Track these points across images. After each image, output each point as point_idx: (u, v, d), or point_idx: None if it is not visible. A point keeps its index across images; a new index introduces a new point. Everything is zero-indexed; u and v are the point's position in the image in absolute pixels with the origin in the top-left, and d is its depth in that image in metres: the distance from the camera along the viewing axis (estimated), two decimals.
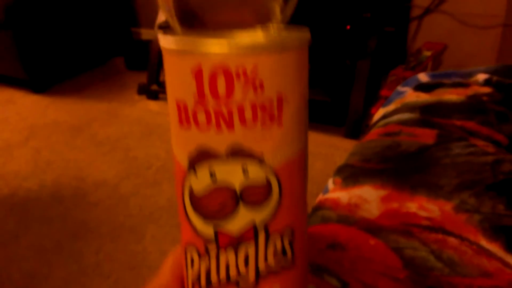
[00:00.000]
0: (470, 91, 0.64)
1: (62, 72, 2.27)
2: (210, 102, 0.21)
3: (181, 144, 0.23)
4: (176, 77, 0.22)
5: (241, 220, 0.22)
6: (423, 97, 0.64)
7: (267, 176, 0.22)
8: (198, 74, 0.20)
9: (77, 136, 1.73)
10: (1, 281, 1.08)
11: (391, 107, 0.65)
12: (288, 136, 0.22)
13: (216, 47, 0.20)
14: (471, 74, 0.68)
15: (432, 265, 0.39)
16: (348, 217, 0.44)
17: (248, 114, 0.21)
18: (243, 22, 0.25)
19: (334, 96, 1.67)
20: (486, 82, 0.66)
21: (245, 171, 0.22)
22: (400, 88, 0.70)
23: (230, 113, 0.21)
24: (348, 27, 1.62)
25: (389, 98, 0.70)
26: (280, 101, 0.21)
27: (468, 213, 0.43)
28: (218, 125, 0.21)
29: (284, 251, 0.23)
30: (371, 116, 1.54)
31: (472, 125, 0.57)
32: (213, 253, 0.23)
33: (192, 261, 0.24)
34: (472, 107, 0.60)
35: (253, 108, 0.21)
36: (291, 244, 0.24)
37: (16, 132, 1.78)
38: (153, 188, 1.39)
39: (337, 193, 0.48)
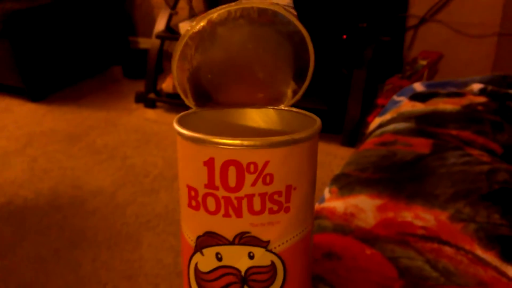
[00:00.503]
0: (465, 100, 0.64)
1: (59, 81, 2.27)
2: (220, 191, 0.21)
3: (190, 225, 0.23)
4: (189, 164, 0.22)
5: None
6: (418, 107, 0.64)
7: (273, 260, 0.22)
8: (210, 166, 0.21)
9: (74, 145, 1.73)
10: None
11: (387, 116, 0.65)
12: (295, 220, 0.23)
13: (230, 144, 0.20)
14: (466, 84, 0.69)
15: (428, 275, 0.39)
16: (344, 227, 0.45)
17: (257, 204, 0.21)
18: (255, 103, 0.26)
19: (331, 104, 1.67)
20: (481, 92, 0.66)
21: (251, 256, 0.22)
22: (396, 98, 0.70)
23: (240, 203, 0.21)
24: (345, 36, 1.63)
25: (385, 108, 0.70)
26: (289, 190, 0.22)
27: (463, 223, 0.44)
28: (226, 212, 0.21)
29: None
30: (367, 124, 1.55)
31: (467, 135, 0.57)
32: None
33: None
34: (467, 117, 0.61)
35: (262, 199, 0.21)
36: None
37: (13, 140, 1.78)
38: (150, 196, 1.39)
39: (333, 202, 0.49)
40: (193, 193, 0.22)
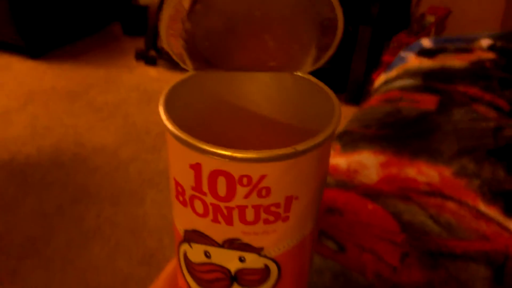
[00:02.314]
0: (473, 56, 0.63)
1: (59, 38, 2.23)
2: (208, 197, 0.18)
3: (178, 216, 0.21)
4: (175, 161, 0.19)
5: None
6: (425, 63, 0.63)
7: (266, 263, 0.20)
8: (197, 171, 0.18)
9: (75, 102, 1.72)
10: (5, 245, 1.10)
11: (393, 73, 0.64)
12: (294, 228, 0.20)
13: (219, 155, 0.17)
14: (475, 40, 0.67)
15: (430, 229, 0.39)
16: (346, 183, 0.44)
17: (250, 215, 0.18)
18: (266, 70, 0.22)
19: (335, 62, 1.65)
20: (490, 48, 0.65)
21: (242, 259, 0.20)
22: (402, 54, 0.69)
23: (230, 212, 0.18)
24: None
25: (391, 64, 0.69)
26: (289, 201, 0.19)
27: (467, 178, 0.43)
28: (215, 218, 0.19)
29: None
30: (372, 81, 1.53)
31: (475, 91, 0.56)
32: None
33: None
34: (475, 73, 0.59)
35: (256, 210, 0.18)
36: None
37: (14, 98, 1.77)
38: (153, 154, 1.39)
39: (336, 159, 0.48)
40: (180, 189, 0.19)
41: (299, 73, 0.23)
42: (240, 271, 0.20)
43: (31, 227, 1.15)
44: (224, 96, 0.24)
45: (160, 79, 1.88)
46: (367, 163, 0.46)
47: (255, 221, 0.18)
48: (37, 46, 2.12)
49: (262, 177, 0.17)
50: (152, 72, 1.95)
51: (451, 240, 0.38)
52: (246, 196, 0.18)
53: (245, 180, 0.17)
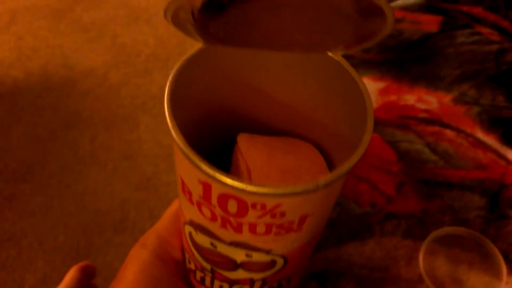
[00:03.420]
0: None
1: None
2: (217, 210, 0.17)
3: (184, 207, 0.20)
4: (183, 170, 0.17)
5: (239, 275, 0.21)
6: None
7: (273, 258, 0.19)
8: (206, 187, 0.16)
9: (60, 21, 1.64)
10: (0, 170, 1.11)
11: None
12: (305, 235, 0.19)
13: (230, 186, 0.15)
14: None
15: (427, 158, 0.39)
16: None
17: (261, 229, 0.17)
18: (294, 48, 0.18)
19: None
20: None
21: (249, 255, 0.19)
22: None
23: (240, 225, 0.17)
24: None
25: None
26: (303, 218, 0.17)
27: (467, 105, 0.42)
28: (224, 225, 0.17)
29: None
30: None
31: (479, 11, 0.53)
32: (208, 277, 0.22)
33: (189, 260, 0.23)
34: None
35: (268, 226, 0.17)
36: (287, 282, 0.22)
37: None
38: (144, 77, 1.36)
39: None
40: (186, 190, 0.18)
41: (330, 54, 0.19)
42: (246, 263, 0.20)
43: (25, 153, 1.15)
44: (241, 75, 0.21)
45: None
46: None
47: (266, 233, 0.17)
48: None
49: (278, 205, 0.16)
50: None
51: (447, 169, 0.38)
52: (259, 217, 0.16)
53: (258, 206, 0.16)
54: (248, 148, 0.21)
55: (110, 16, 1.66)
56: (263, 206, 0.16)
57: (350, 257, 0.34)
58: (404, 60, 0.47)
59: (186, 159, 0.16)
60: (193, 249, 0.22)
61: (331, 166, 0.22)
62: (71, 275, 0.38)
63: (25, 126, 1.22)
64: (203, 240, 0.20)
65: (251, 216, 0.16)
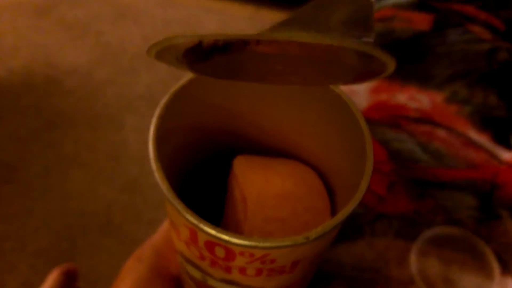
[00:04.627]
0: None
1: None
2: (205, 252, 0.16)
3: (174, 238, 0.19)
4: (170, 211, 0.17)
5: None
6: None
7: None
8: (192, 233, 0.16)
9: (43, 19, 1.62)
10: None
11: None
12: (299, 275, 0.18)
13: (216, 237, 0.15)
14: None
15: (419, 157, 0.39)
16: None
17: (252, 272, 0.16)
18: (282, 82, 0.17)
19: None
20: None
21: None
22: None
23: (229, 268, 0.16)
24: None
25: None
26: (295, 263, 0.16)
27: (459, 104, 0.42)
28: (213, 265, 0.17)
29: None
30: None
31: (470, 9, 0.53)
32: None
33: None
34: None
35: (259, 270, 0.16)
36: None
37: None
38: (130, 76, 1.34)
39: None
40: (175, 227, 0.17)
41: (330, 87, 0.19)
42: None
43: (7, 153, 1.13)
44: (234, 104, 0.21)
45: None
46: (356, 88, 0.45)
47: (257, 275, 0.17)
48: None
49: (267, 255, 0.15)
50: None
51: (439, 168, 0.38)
52: (248, 263, 0.16)
53: (246, 254, 0.15)
54: (244, 173, 0.20)
55: (95, 14, 1.64)
56: (252, 255, 0.15)
57: (341, 258, 0.33)
58: (396, 59, 0.47)
59: (171, 205, 0.16)
60: (185, 276, 0.21)
61: (329, 189, 0.22)
62: (53, 277, 0.36)
63: (7, 126, 1.20)
64: (194, 272, 0.19)
65: (240, 261, 0.16)
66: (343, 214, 0.15)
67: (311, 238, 0.15)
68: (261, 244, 0.14)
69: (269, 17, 1.61)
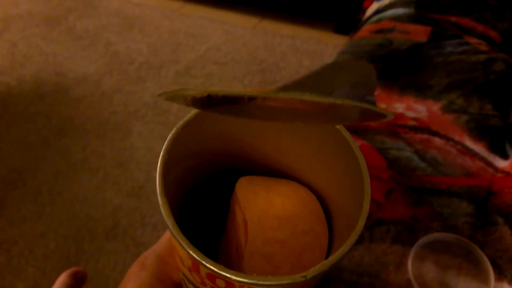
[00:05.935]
0: None
1: None
2: (207, 281, 0.17)
3: (177, 259, 0.19)
4: (174, 242, 0.17)
5: None
6: None
7: None
8: (195, 264, 0.16)
9: (53, 29, 1.64)
10: None
11: (385, 1, 0.61)
12: None
13: (215, 272, 0.15)
14: None
15: (416, 165, 0.39)
16: None
17: None
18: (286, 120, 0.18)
19: None
20: None
21: None
22: None
23: None
24: None
25: None
26: None
27: (455, 114, 0.43)
28: None
29: None
30: (363, 10, 1.48)
31: (467, 22, 0.54)
32: None
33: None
34: (469, 2, 0.57)
35: None
36: None
37: None
38: (137, 85, 1.36)
39: None
40: (178, 254, 0.18)
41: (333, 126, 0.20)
42: None
43: (17, 159, 1.14)
44: (237, 135, 0.22)
45: (141, 4, 1.79)
46: None
47: None
48: None
49: None
50: None
51: (436, 176, 0.39)
52: None
53: (246, 287, 0.16)
54: (246, 197, 0.21)
55: (103, 24, 1.66)
56: None
57: (340, 263, 0.34)
58: (394, 69, 0.48)
59: (176, 239, 0.16)
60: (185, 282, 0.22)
61: (326, 212, 0.22)
62: (61, 280, 0.37)
63: (17, 133, 1.21)
64: None
65: None
66: (339, 254, 0.16)
67: (309, 277, 0.15)
68: (260, 282, 0.15)
69: (272, 28, 1.62)
